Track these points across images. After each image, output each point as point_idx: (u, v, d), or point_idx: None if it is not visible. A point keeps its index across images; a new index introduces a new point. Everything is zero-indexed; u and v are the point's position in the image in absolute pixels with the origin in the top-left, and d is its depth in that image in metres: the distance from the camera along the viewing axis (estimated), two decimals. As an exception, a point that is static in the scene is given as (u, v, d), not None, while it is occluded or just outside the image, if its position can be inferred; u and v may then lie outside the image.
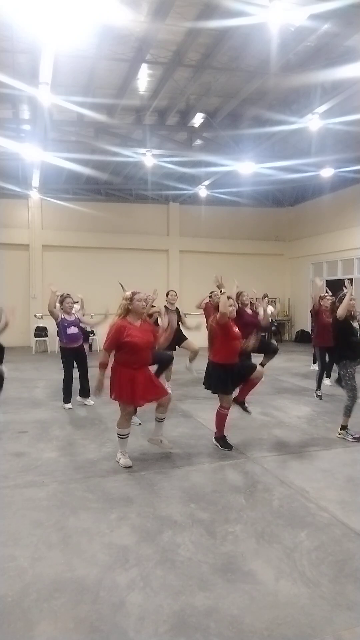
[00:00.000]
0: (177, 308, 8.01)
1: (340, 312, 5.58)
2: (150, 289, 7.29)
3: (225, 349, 5.14)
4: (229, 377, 5.14)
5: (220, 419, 5.30)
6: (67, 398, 7.23)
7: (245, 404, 5.58)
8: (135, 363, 4.60)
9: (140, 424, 5.97)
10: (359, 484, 4.36)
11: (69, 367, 7.22)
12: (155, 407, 4.93)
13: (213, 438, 5.39)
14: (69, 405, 7.16)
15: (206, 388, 5.35)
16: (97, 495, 4.06)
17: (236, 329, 5.20)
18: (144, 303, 4.71)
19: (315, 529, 3.49)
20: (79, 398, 7.40)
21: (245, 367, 5.36)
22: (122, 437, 4.79)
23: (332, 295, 7.89)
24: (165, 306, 7.81)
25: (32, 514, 3.71)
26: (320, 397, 7.69)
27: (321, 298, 8.01)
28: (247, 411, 5.63)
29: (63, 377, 7.28)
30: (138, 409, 5.38)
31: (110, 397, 4.70)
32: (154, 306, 6.75)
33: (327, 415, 6.77)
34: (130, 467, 4.68)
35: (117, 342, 4.57)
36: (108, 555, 3.15)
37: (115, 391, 4.63)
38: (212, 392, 5.33)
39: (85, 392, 7.35)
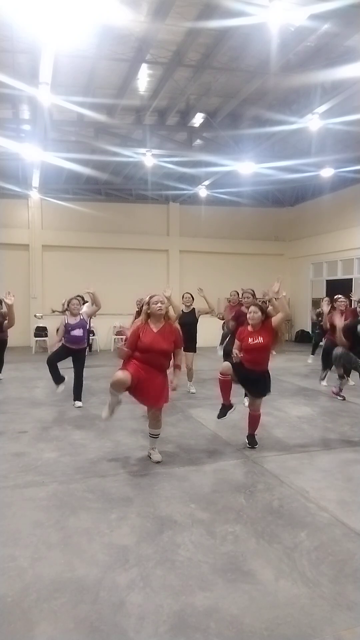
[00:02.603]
0: (193, 309, 8.28)
1: (339, 342, 6.09)
2: (152, 289, 7.32)
3: (244, 355, 5.12)
4: (244, 372, 5.09)
5: (220, 386, 5.25)
6: (55, 379, 7.23)
7: (255, 439, 5.35)
8: (145, 362, 4.63)
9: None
10: (359, 484, 4.37)
11: (55, 355, 7.17)
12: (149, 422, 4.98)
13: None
14: (61, 388, 7.20)
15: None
16: (97, 495, 4.06)
17: (253, 340, 5.04)
18: (160, 305, 4.73)
19: (315, 529, 3.49)
20: (76, 404, 7.29)
21: (257, 383, 5.17)
22: (112, 393, 4.71)
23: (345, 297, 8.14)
24: (182, 310, 8.13)
25: (32, 514, 3.71)
26: (323, 378, 8.01)
27: (334, 301, 8.07)
28: (252, 444, 5.31)
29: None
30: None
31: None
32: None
33: (327, 415, 6.77)
34: (105, 418, 4.85)
35: (133, 342, 4.68)
36: (108, 555, 3.15)
37: (124, 363, 4.70)
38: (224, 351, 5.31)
39: (76, 395, 7.29)
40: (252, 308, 5.17)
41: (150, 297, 4.77)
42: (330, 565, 3.04)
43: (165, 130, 11.11)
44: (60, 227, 15.88)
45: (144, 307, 4.81)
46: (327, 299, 9.52)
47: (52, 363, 7.19)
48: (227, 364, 5.18)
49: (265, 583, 2.86)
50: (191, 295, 8.33)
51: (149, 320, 4.75)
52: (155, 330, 4.70)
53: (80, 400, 7.28)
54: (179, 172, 14.09)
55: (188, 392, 8.21)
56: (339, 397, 7.54)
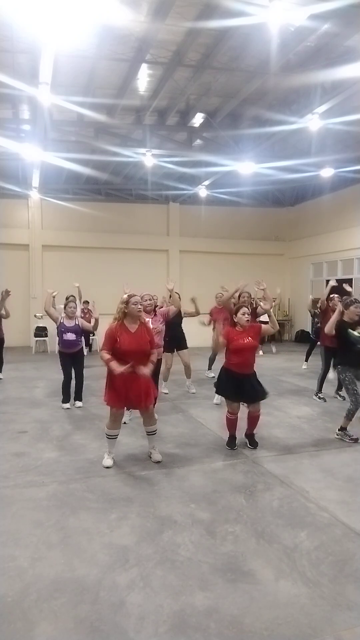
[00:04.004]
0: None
1: (327, 329, 5.71)
2: (151, 289, 7.30)
3: (234, 357, 5.16)
4: (235, 385, 5.13)
5: (227, 423, 5.36)
6: (65, 398, 7.24)
7: (255, 439, 5.38)
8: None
9: (126, 422, 5.93)
10: (359, 484, 4.37)
11: (67, 369, 7.21)
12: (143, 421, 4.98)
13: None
14: (66, 406, 7.16)
15: (215, 391, 5.38)
16: (97, 495, 4.06)
17: (244, 340, 5.09)
18: (139, 306, 4.72)
19: (315, 529, 3.49)
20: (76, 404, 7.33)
21: (253, 389, 5.18)
22: (110, 437, 4.85)
23: (340, 297, 7.97)
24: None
25: (32, 514, 3.71)
26: (323, 399, 7.66)
27: (329, 299, 8.00)
28: (253, 445, 5.33)
29: (62, 378, 7.30)
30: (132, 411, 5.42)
31: (103, 399, 4.80)
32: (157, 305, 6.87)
33: (327, 415, 6.77)
34: (109, 467, 4.73)
35: (111, 345, 4.63)
36: (108, 555, 3.15)
37: (106, 394, 4.73)
38: (215, 392, 5.37)
39: (76, 395, 7.34)
40: (244, 309, 5.19)
41: (130, 297, 4.71)
42: (330, 565, 3.04)
43: (165, 130, 11.11)
44: (60, 227, 15.87)
45: (121, 306, 4.72)
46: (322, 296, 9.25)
47: (67, 384, 7.26)
48: (236, 404, 5.26)
49: (265, 583, 2.86)
50: (178, 295, 8.29)
51: (124, 320, 4.69)
52: (132, 331, 4.67)
53: (80, 400, 7.30)
54: (179, 172, 14.08)
55: (188, 392, 8.22)
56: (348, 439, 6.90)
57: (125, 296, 4.76)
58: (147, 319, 5.23)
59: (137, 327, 4.71)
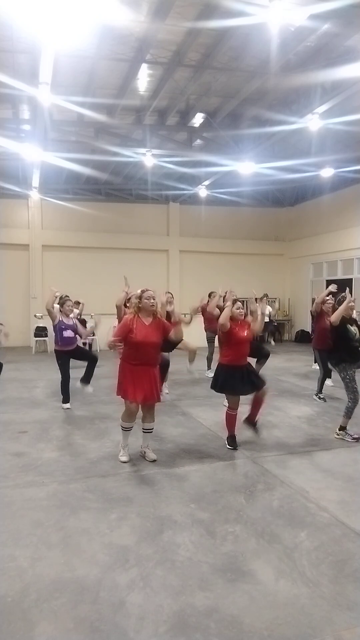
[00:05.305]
0: (173, 309, 8.14)
1: (334, 318, 5.67)
2: (151, 288, 7.28)
3: (232, 351, 5.21)
4: (236, 378, 5.17)
5: (227, 420, 5.34)
6: (65, 399, 7.22)
7: (257, 425, 5.46)
8: (137, 360, 4.67)
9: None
10: (359, 484, 4.36)
11: (65, 369, 7.16)
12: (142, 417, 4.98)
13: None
14: (67, 406, 7.14)
15: (211, 387, 5.39)
16: (97, 495, 4.06)
17: (243, 332, 5.22)
18: (152, 301, 4.75)
19: (315, 529, 3.49)
20: (78, 384, 7.28)
21: (255, 375, 5.32)
22: (125, 429, 4.89)
23: (333, 299, 7.92)
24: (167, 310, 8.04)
25: (32, 514, 3.71)
26: (323, 399, 7.67)
27: (323, 302, 7.98)
28: (257, 431, 5.46)
29: (60, 379, 7.23)
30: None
31: (117, 394, 4.82)
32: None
33: (327, 415, 6.77)
34: (127, 462, 4.80)
35: (124, 333, 4.69)
36: (108, 555, 3.15)
37: (122, 389, 4.75)
38: (217, 392, 5.36)
39: (87, 379, 7.29)
40: (238, 304, 5.33)
41: (143, 292, 4.78)
42: (330, 565, 3.04)
43: (165, 130, 11.12)
44: (60, 227, 15.88)
45: (135, 301, 4.82)
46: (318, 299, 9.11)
47: (66, 384, 7.22)
48: (237, 399, 5.29)
49: (265, 583, 2.86)
50: (172, 295, 8.28)
51: (139, 314, 4.75)
52: (147, 323, 4.73)
53: (88, 384, 7.28)
54: (179, 172, 14.09)
55: (191, 375, 8.37)
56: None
57: (138, 291, 4.84)
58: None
59: (151, 321, 4.77)
